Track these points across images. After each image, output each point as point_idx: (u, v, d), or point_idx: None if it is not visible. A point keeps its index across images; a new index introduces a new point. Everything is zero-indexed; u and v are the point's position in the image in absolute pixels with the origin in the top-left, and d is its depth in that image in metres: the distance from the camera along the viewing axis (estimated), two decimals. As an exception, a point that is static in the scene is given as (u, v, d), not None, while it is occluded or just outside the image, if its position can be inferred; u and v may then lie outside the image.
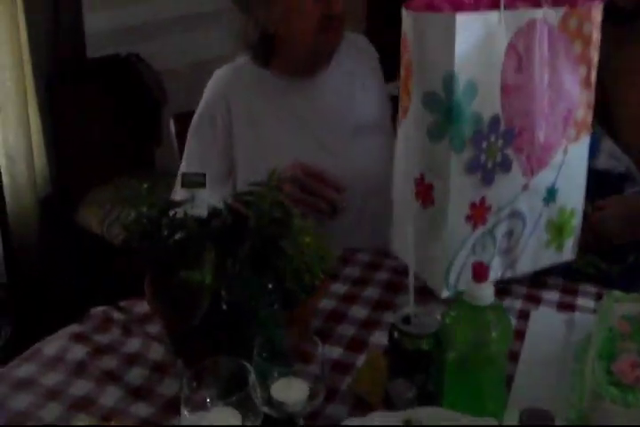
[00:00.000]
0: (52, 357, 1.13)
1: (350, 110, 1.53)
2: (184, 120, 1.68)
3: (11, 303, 2.21)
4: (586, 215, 1.25)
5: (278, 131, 1.51)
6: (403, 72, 1.13)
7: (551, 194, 1.19)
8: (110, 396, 1.04)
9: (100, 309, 1.24)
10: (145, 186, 1.06)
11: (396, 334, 0.90)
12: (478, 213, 1.03)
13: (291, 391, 0.84)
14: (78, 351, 1.14)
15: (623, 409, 0.87)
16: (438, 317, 0.91)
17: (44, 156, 2.37)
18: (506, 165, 1.12)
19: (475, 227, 1.13)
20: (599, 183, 1.26)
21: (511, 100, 1.10)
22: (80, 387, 1.07)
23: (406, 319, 0.91)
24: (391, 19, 1.26)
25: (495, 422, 0.81)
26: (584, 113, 1.19)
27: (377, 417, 0.83)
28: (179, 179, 1.23)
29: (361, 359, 1.09)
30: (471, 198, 1.12)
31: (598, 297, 1.21)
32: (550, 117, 1.14)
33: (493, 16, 1.06)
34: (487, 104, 1.08)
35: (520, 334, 1.12)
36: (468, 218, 1.13)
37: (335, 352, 1.11)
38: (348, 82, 1.55)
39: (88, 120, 2.40)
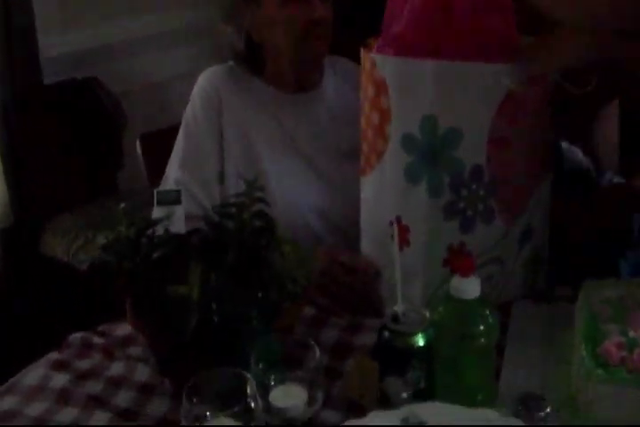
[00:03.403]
0: (34, 386, 1.11)
1: (341, 133, 1.49)
2: (150, 139, 1.67)
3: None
4: None
5: (266, 145, 1.47)
6: (376, 116, 1.11)
7: (526, 234, 1.17)
8: (99, 421, 1.02)
9: (78, 335, 1.21)
10: (122, 206, 1.05)
11: (386, 334, 0.90)
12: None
13: (289, 398, 0.84)
14: (60, 379, 1.11)
15: (612, 390, 0.89)
16: (426, 313, 0.92)
17: (3, 185, 2.33)
18: (488, 216, 1.11)
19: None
20: (571, 184, 1.28)
21: (499, 154, 1.08)
22: (67, 414, 1.04)
23: (395, 318, 0.91)
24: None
25: (497, 415, 0.82)
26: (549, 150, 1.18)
27: (377, 417, 0.83)
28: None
29: (347, 363, 1.09)
30: (449, 242, 1.11)
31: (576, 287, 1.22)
32: (532, 165, 1.14)
33: (482, 68, 1.02)
34: (471, 153, 1.06)
35: (503, 327, 1.13)
36: (446, 262, 1.11)
37: (322, 358, 1.11)
38: (339, 104, 1.52)
39: (47, 147, 2.37)
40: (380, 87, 1.09)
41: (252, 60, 1.49)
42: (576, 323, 1.02)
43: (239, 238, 0.95)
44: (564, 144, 1.30)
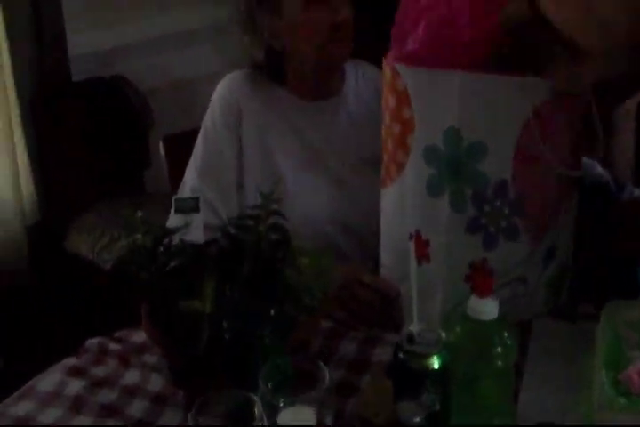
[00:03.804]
0: (49, 392, 1.11)
1: (362, 140, 1.46)
2: (173, 141, 1.67)
3: (1, 333, 2.18)
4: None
5: (285, 152, 1.45)
6: (397, 127, 1.09)
7: (551, 252, 1.14)
8: (111, 431, 1.02)
9: (95, 340, 1.21)
10: (139, 214, 1.04)
11: (401, 355, 0.88)
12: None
13: (298, 419, 0.82)
14: (75, 386, 1.11)
15: (633, 419, 0.86)
16: (442, 334, 0.90)
17: (30, 183, 2.35)
18: (512, 233, 1.07)
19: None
20: (591, 198, 1.24)
21: (526, 170, 1.05)
22: (80, 423, 1.04)
23: (410, 338, 0.89)
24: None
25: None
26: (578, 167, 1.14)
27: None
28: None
29: (364, 379, 1.08)
30: (470, 258, 1.08)
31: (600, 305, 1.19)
32: (560, 182, 1.10)
33: (510, 80, 1.00)
34: (496, 167, 1.03)
35: (523, 346, 1.11)
36: (467, 278, 1.08)
37: (337, 374, 1.09)
38: (361, 110, 1.49)
39: (75, 145, 2.38)
40: (402, 98, 1.07)
41: (272, 68, 1.46)
42: (597, 346, 0.99)
43: (255, 251, 0.94)
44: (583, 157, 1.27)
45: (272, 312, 0.85)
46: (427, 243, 1.09)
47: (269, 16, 1.39)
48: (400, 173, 1.11)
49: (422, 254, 1.09)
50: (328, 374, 0.83)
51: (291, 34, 1.40)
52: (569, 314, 1.17)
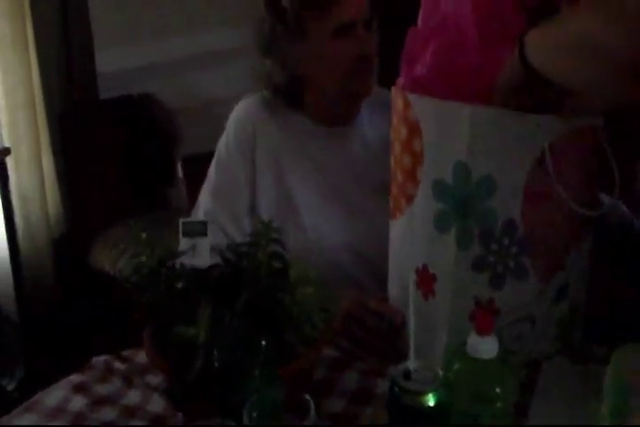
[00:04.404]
0: (54, 407, 1.12)
1: (376, 167, 1.42)
2: (192, 163, 1.68)
3: (23, 344, 2.20)
4: None
5: (298, 178, 1.44)
6: (408, 159, 1.06)
7: (562, 291, 1.10)
8: (108, 450, 1.02)
9: (101, 358, 1.22)
10: (144, 236, 1.04)
11: (396, 390, 0.87)
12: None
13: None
14: (78, 402, 1.12)
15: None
16: (440, 371, 0.88)
17: (57, 196, 2.38)
18: (520, 273, 1.04)
19: None
20: (615, 238, 1.21)
21: (536, 208, 1.02)
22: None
23: (407, 374, 0.87)
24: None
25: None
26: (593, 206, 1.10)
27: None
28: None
29: (365, 411, 1.06)
30: (476, 296, 1.05)
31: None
32: (572, 221, 1.07)
33: (524, 116, 0.97)
34: (505, 205, 1.01)
35: (531, 385, 1.08)
36: (472, 316, 1.05)
37: (339, 405, 1.08)
38: (376, 137, 1.46)
39: (101, 160, 2.41)
40: (414, 129, 1.04)
41: (290, 92, 1.45)
42: (604, 392, 0.95)
43: (253, 279, 0.93)
44: (604, 196, 1.23)
45: (264, 343, 0.83)
46: (433, 277, 1.06)
47: (294, 42, 1.37)
48: (409, 205, 1.09)
49: (428, 289, 1.07)
50: (313, 409, 0.82)
51: (315, 62, 1.37)
52: (580, 355, 1.14)
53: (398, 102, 1.07)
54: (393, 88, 1.08)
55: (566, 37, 0.85)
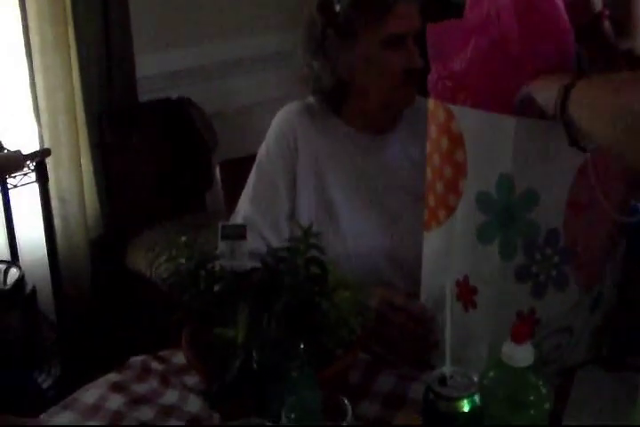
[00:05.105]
0: (91, 405, 1.14)
1: (415, 176, 1.41)
2: (230, 167, 1.69)
3: (60, 343, 2.24)
4: None
5: (339, 185, 1.44)
6: (449, 170, 1.06)
7: (597, 301, 1.11)
8: (145, 448, 1.04)
9: (139, 358, 1.24)
10: (183, 239, 1.06)
11: (430, 396, 0.87)
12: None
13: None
14: (116, 401, 1.14)
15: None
16: (475, 378, 0.89)
17: (95, 197, 2.42)
18: (562, 282, 1.05)
19: None
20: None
21: (578, 218, 1.02)
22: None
23: (442, 380, 0.88)
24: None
25: None
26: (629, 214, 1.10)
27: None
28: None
29: (399, 416, 1.07)
30: (518, 307, 1.05)
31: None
32: (610, 229, 1.07)
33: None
34: (548, 216, 1.01)
35: (564, 393, 1.08)
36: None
37: (373, 409, 1.09)
38: (416, 146, 1.45)
39: (139, 163, 2.44)
40: (456, 141, 1.03)
41: (335, 96, 1.45)
42: (639, 400, 0.95)
43: (292, 284, 0.94)
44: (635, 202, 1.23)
45: (302, 346, 0.85)
46: (474, 289, 1.06)
47: (343, 46, 1.37)
48: (449, 217, 1.08)
49: (468, 300, 1.07)
50: (350, 411, 0.83)
51: (364, 69, 1.37)
52: (615, 364, 1.13)
53: (439, 114, 1.06)
54: (431, 100, 1.07)
55: (617, 108, 0.83)
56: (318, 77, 1.42)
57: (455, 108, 1.03)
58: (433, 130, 1.09)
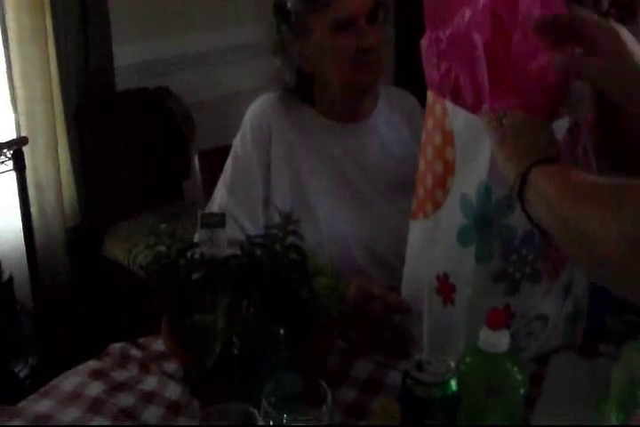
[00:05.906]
0: (70, 392, 1.14)
1: (390, 165, 1.47)
2: (209, 157, 1.69)
3: (37, 332, 2.23)
4: None
5: (313, 174, 1.47)
6: (440, 166, 1.06)
7: (567, 288, 1.13)
8: (127, 434, 1.05)
9: (118, 345, 1.24)
10: (163, 226, 1.06)
11: (408, 382, 0.89)
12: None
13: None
14: (95, 388, 1.14)
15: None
16: (452, 364, 0.90)
17: (72, 186, 2.41)
18: (535, 277, 1.07)
19: None
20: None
21: None
22: (97, 424, 1.07)
23: (419, 366, 0.90)
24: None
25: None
26: None
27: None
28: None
29: (376, 401, 1.08)
30: (493, 304, 1.03)
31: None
32: None
33: None
34: (523, 219, 0.97)
35: (538, 379, 1.10)
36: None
37: (350, 394, 1.10)
38: (391, 135, 1.50)
39: (117, 152, 2.43)
40: (448, 138, 1.03)
41: (301, 90, 1.48)
42: (611, 386, 0.97)
43: (271, 270, 0.95)
44: None
45: (281, 331, 0.86)
46: (453, 287, 1.07)
47: (298, 40, 1.42)
48: (435, 211, 1.08)
49: (447, 297, 1.08)
50: (330, 396, 0.84)
51: (318, 58, 1.41)
52: (587, 350, 1.16)
53: (436, 108, 1.05)
54: (429, 92, 1.06)
55: (560, 220, 0.81)
56: (280, 73, 1.47)
57: (450, 106, 1.03)
58: (429, 122, 1.08)
